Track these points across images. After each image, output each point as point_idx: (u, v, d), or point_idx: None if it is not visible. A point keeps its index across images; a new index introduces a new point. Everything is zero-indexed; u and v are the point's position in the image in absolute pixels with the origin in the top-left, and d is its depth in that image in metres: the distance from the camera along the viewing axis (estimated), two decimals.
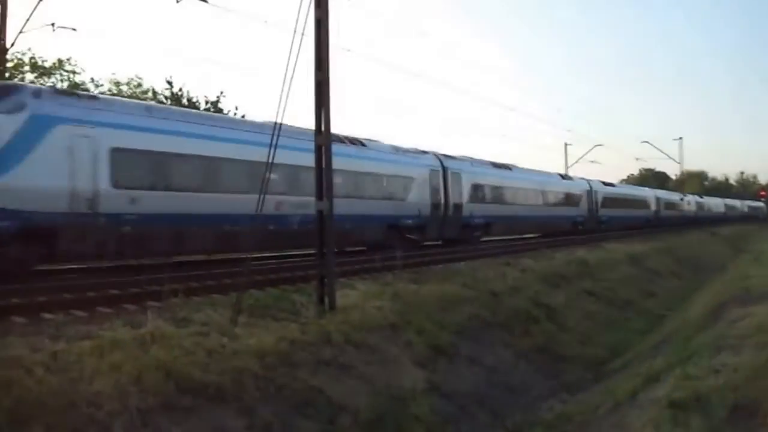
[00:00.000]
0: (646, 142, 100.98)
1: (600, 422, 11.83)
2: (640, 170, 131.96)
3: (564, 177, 56.61)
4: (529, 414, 15.08)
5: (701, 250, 56.30)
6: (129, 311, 13.42)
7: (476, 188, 37.71)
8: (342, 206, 19.46)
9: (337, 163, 17.10)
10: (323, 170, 15.53)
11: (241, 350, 11.34)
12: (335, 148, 16.41)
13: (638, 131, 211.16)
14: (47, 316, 12.47)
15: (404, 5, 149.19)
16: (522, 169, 46.77)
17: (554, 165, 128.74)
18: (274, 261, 21.91)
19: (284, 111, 14.08)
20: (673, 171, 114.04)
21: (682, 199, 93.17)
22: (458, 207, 35.26)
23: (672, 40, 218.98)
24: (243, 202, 19.32)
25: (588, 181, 59.26)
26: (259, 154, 16.79)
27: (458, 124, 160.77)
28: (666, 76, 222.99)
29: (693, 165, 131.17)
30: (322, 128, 15.56)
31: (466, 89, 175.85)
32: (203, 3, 23.40)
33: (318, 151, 15.62)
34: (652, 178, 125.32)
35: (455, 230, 35.13)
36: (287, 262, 21.82)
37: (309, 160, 16.13)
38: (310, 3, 14.83)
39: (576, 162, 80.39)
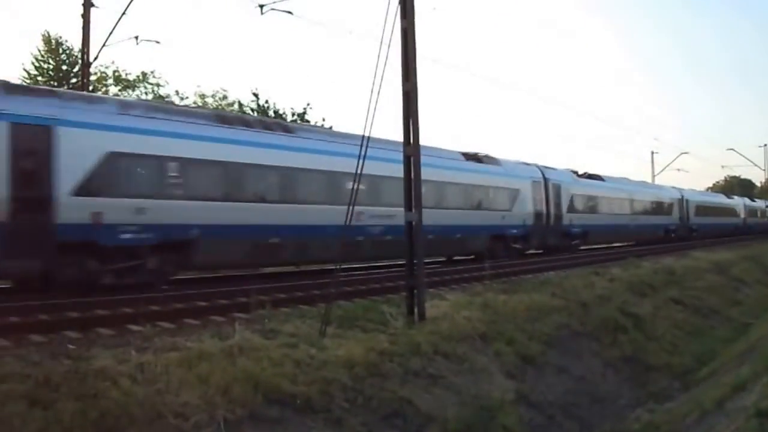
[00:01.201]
0: (732, 149, 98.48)
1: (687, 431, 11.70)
2: (725, 178, 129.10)
3: (480, 159, 33.09)
4: (616, 424, 14.84)
5: None
6: (216, 323, 13.49)
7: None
8: None
9: None
10: (412, 181, 15.32)
11: (329, 361, 11.20)
12: None
13: (724, 138, 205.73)
14: (134, 327, 12.57)
15: (491, 13, 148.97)
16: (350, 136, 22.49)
17: (641, 174, 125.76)
18: (362, 272, 21.85)
19: (372, 121, 13.86)
20: (758, 178, 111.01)
21: (726, 202, 75.25)
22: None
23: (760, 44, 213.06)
24: None
25: (542, 169, 37.21)
26: None
27: (546, 134, 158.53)
28: (752, 80, 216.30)
29: None
30: (411, 139, 15.34)
31: (553, 97, 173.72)
32: (288, 14, 23.37)
33: (407, 161, 15.40)
34: (737, 185, 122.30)
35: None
36: (376, 273, 21.72)
37: None
38: (396, 13, 14.71)
39: (662, 170, 78.74)
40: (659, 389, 17.43)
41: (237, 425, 9.01)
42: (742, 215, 76.87)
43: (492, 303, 17.32)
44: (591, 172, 45.59)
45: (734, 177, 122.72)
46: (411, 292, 15.09)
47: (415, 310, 14.88)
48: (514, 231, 33.03)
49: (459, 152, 31.86)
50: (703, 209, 63.90)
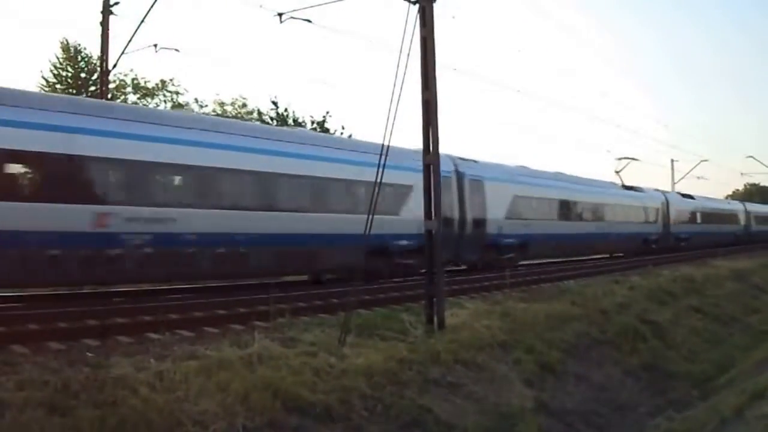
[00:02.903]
0: (751, 156, 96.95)
1: None
2: (745, 185, 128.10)
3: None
4: None
5: None
6: (236, 331, 13.46)
7: None
8: None
9: None
10: (432, 190, 15.26)
11: (348, 369, 11.16)
12: None
13: (744, 146, 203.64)
14: (153, 335, 12.57)
15: (507, 22, 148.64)
16: None
17: (660, 182, 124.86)
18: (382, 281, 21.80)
19: (392, 131, 13.84)
20: None
21: (624, 197, 43.91)
22: None
23: None
24: None
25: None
26: None
27: (562, 141, 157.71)
28: None
29: None
30: (431, 147, 15.29)
31: (570, 105, 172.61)
32: (307, 23, 23.28)
33: (426, 170, 15.36)
34: (757, 193, 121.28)
35: None
36: (396, 282, 21.73)
37: None
38: (416, 22, 14.68)
39: (682, 178, 77.92)
40: (678, 397, 17.28)
41: None
42: (659, 219, 47.91)
43: (512, 311, 17.27)
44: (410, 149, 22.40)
45: (754, 184, 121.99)
46: (430, 301, 15.02)
47: (435, 318, 14.80)
48: None
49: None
50: (615, 211, 40.32)
